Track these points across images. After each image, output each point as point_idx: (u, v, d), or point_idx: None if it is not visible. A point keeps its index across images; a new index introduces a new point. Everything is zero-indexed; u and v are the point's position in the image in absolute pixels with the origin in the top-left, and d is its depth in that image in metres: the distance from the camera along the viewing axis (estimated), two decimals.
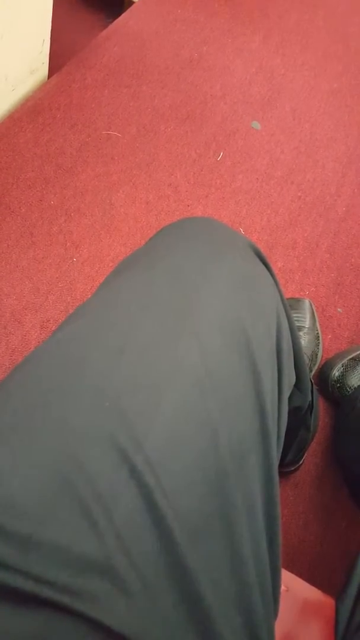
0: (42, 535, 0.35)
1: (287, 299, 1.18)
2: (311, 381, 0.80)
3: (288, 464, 1.00)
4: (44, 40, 1.34)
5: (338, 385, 1.07)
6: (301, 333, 1.10)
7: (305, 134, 1.51)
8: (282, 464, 0.99)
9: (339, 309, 1.24)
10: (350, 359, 1.09)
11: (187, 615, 0.37)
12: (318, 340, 1.13)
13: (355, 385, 1.05)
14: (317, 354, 1.11)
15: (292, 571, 0.58)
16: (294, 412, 0.76)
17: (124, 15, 1.63)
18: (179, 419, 0.42)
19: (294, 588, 0.57)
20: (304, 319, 1.12)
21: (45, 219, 1.22)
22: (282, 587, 0.52)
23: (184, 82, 1.52)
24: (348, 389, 1.05)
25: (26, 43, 1.28)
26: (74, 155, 1.32)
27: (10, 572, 0.34)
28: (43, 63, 1.40)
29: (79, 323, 0.49)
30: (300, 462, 1.02)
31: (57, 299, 1.13)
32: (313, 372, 1.11)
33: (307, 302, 1.16)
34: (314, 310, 1.17)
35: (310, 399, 0.78)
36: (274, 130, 1.50)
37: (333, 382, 1.07)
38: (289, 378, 0.57)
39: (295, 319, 1.12)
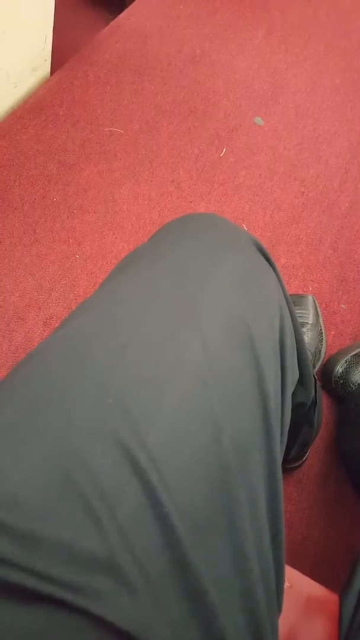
0: (44, 531, 0.35)
1: (290, 295, 1.18)
2: (314, 377, 0.80)
3: (292, 460, 1.00)
4: (46, 37, 1.33)
5: (341, 381, 1.07)
6: (304, 329, 1.09)
7: (308, 129, 1.51)
8: (285, 460, 0.99)
9: (342, 305, 1.23)
10: (354, 355, 1.08)
11: (191, 611, 0.37)
12: (321, 336, 1.13)
13: (359, 382, 1.05)
14: (320, 350, 1.11)
15: (295, 567, 0.58)
16: (297, 408, 0.76)
17: (126, 11, 1.63)
18: (181, 415, 0.42)
19: (298, 584, 0.57)
20: (307, 315, 1.12)
21: (48, 216, 1.22)
22: (286, 583, 0.52)
23: (186, 79, 1.52)
24: (351, 385, 1.05)
25: (28, 40, 1.28)
26: (76, 152, 1.32)
27: (13, 569, 0.34)
28: (45, 60, 1.39)
29: (81, 319, 0.49)
30: (304, 458, 1.02)
31: (60, 296, 1.13)
32: (316, 368, 1.11)
33: (310, 298, 1.15)
34: (317, 307, 1.16)
35: (313, 395, 0.78)
36: (277, 126, 1.49)
37: (336, 379, 1.07)
38: (292, 374, 0.57)
39: (299, 315, 1.11)
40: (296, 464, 1.02)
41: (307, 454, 1.02)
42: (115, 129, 1.38)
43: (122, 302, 0.49)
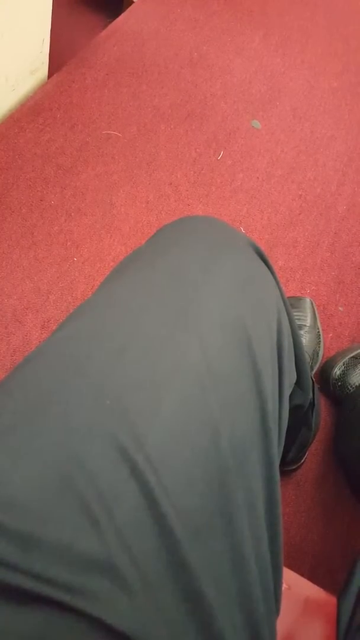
0: (43, 533, 0.35)
1: (288, 297, 1.18)
2: (312, 380, 0.80)
3: (290, 462, 1.00)
4: (43, 40, 1.34)
5: (339, 383, 1.07)
6: (302, 332, 1.10)
7: (306, 132, 1.51)
8: (283, 463, 0.99)
9: (340, 308, 1.24)
10: (351, 357, 1.09)
11: (188, 613, 0.37)
12: (319, 338, 1.13)
13: (357, 384, 1.05)
14: (318, 353, 1.11)
15: (294, 569, 0.58)
16: (295, 410, 0.76)
17: (123, 14, 1.63)
18: (179, 417, 0.42)
19: (296, 586, 0.57)
20: (305, 318, 1.12)
21: (45, 219, 1.22)
22: (284, 585, 0.52)
23: (184, 82, 1.52)
24: (349, 387, 1.05)
25: (26, 43, 1.28)
26: (74, 155, 1.32)
27: (11, 570, 0.34)
28: (43, 63, 1.40)
29: (79, 322, 0.49)
30: (302, 460, 1.02)
31: (58, 298, 1.13)
32: (314, 370, 1.11)
33: (308, 300, 1.16)
34: (315, 309, 1.17)
35: (311, 397, 0.78)
36: (274, 129, 1.50)
37: (334, 381, 1.07)
38: (290, 376, 0.57)
39: (296, 317, 1.12)
40: (294, 466, 1.02)
41: (306, 456, 1.02)
42: (112, 132, 1.38)
43: (120, 305, 0.49)
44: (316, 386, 0.91)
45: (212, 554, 0.40)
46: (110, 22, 1.61)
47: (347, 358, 1.09)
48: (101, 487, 0.37)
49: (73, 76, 1.45)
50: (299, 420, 0.86)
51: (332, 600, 0.56)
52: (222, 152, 1.42)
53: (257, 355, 0.48)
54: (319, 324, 1.15)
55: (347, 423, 1.03)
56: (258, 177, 1.40)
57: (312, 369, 1.10)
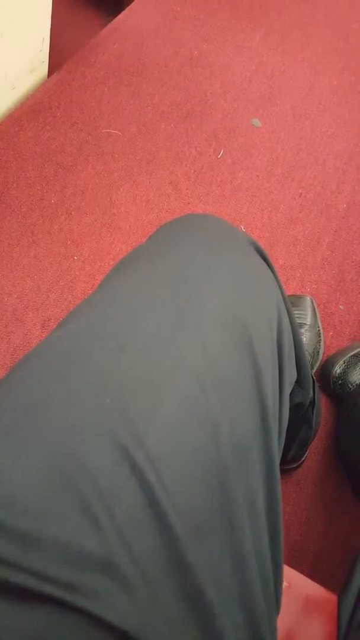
0: (42, 531, 0.35)
1: (288, 296, 1.18)
2: (313, 378, 0.80)
3: (290, 461, 1.00)
4: (43, 38, 1.34)
5: (340, 382, 1.07)
6: (302, 330, 1.10)
7: (306, 131, 1.51)
8: (284, 461, 0.99)
9: (340, 306, 1.24)
10: (352, 355, 1.09)
11: (189, 611, 0.37)
12: (319, 337, 1.13)
13: (357, 382, 1.05)
14: (318, 351, 1.11)
15: (294, 568, 0.58)
16: (295, 409, 0.76)
17: (123, 13, 1.63)
18: (179, 415, 0.42)
19: (296, 584, 0.57)
20: (305, 316, 1.12)
21: (45, 217, 1.22)
22: (284, 583, 0.52)
23: (184, 80, 1.52)
24: (350, 385, 1.05)
25: (26, 41, 1.28)
26: (74, 153, 1.32)
27: (11, 569, 0.34)
28: (43, 61, 1.40)
29: (79, 320, 0.49)
30: (303, 459, 1.02)
31: (58, 297, 1.13)
32: (314, 369, 1.11)
33: (308, 299, 1.16)
34: (316, 307, 1.16)
35: (311, 395, 0.78)
36: (274, 127, 1.49)
37: (335, 379, 1.07)
38: (290, 374, 0.57)
39: (297, 316, 1.11)
40: (295, 465, 1.02)
41: (306, 454, 1.02)
42: (112, 131, 1.38)
43: (121, 303, 0.49)
44: (317, 385, 0.91)
45: (213, 552, 0.40)
46: (110, 20, 1.61)
47: (347, 356, 1.09)
48: (101, 486, 0.37)
49: (73, 75, 1.45)
50: (300, 418, 0.86)
51: (333, 598, 0.56)
52: (222, 151, 1.42)
53: (258, 354, 0.48)
54: (319, 323, 1.15)
55: (348, 421, 1.03)
56: (258, 176, 1.40)
57: (312, 367, 1.10)
